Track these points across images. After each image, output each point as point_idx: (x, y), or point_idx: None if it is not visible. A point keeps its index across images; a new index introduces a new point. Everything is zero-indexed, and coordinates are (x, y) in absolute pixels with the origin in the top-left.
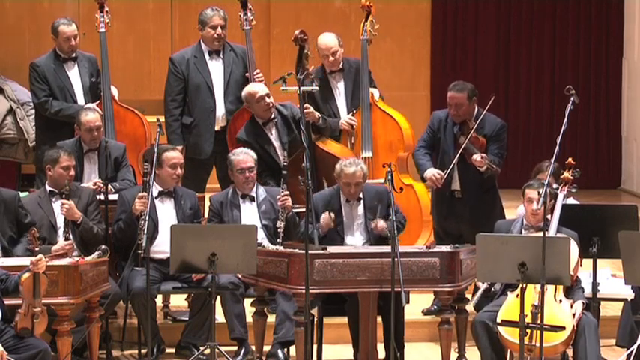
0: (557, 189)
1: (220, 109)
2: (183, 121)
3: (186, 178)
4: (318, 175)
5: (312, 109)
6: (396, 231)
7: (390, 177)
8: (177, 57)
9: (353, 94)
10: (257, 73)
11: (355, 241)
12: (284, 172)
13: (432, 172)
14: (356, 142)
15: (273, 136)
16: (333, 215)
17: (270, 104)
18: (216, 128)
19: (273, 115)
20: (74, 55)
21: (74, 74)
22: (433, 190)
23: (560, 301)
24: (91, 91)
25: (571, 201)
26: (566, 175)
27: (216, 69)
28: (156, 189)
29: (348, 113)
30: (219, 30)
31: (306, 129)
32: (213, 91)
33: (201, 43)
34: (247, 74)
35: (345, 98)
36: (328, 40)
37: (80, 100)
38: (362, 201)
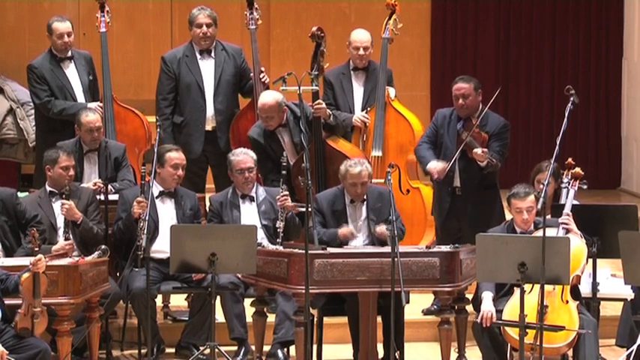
0: (569, 183)
1: (210, 109)
2: (174, 120)
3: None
4: (327, 173)
5: (324, 105)
6: (395, 231)
7: (389, 177)
8: (168, 56)
9: (371, 93)
10: (261, 73)
11: (358, 241)
12: (283, 172)
13: (434, 164)
14: (367, 140)
15: (285, 141)
16: (352, 229)
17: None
18: (207, 128)
19: (284, 121)
20: (70, 54)
21: (72, 73)
22: (434, 187)
23: (567, 302)
24: (90, 90)
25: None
26: (578, 170)
27: (207, 68)
28: (157, 188)
29: (362, 110)
30: (204, 28)
31: (316, 126)
32: (203, 90)
33: (193, 42)
34: (252, 75)
35: (363, 96)
36: (363, 34)
37: (80, 98)
38: (365, 202)
